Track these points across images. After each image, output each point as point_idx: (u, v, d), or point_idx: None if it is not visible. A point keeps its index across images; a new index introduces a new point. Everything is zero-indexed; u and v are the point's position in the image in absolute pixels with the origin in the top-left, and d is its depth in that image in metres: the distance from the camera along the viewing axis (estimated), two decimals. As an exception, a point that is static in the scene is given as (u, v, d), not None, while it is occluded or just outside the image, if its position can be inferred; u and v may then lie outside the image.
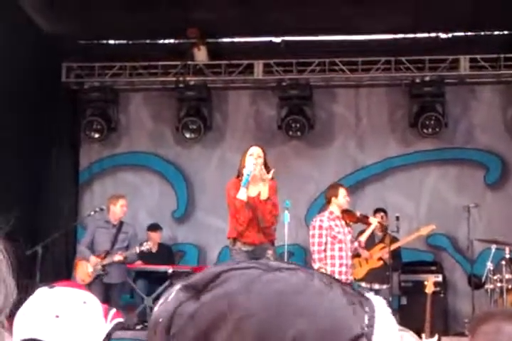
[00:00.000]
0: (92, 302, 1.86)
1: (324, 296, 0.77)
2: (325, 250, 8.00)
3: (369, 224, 8.75)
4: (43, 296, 1.81)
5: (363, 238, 8.70)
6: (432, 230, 8.58)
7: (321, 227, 8.04)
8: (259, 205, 6.84)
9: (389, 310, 0.82)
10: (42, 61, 10.77)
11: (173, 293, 0.83)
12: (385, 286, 8.97)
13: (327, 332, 0.75)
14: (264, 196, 6.83)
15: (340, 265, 8.13)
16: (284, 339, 0.74)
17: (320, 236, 8.01)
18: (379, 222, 8.82)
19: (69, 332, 1.77)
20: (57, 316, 1.75)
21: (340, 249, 8.12)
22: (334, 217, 8.15)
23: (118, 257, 8.88)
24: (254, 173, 6.76)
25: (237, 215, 6.85)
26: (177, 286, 0.83)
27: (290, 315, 0.76)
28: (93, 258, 8.95)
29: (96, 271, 8.87)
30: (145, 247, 8.94)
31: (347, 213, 8.36)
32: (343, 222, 8.21)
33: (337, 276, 8.05)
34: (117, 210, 9.22)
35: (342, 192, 8.30)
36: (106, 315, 1.87)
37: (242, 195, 6.77)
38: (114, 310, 1.88)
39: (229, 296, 0.78)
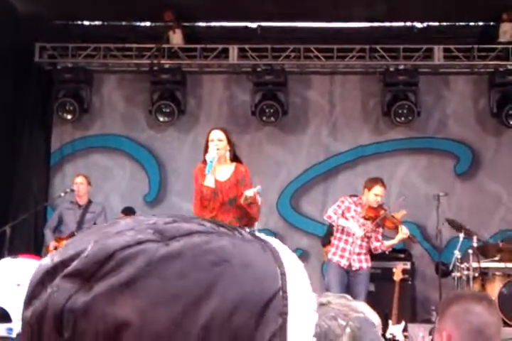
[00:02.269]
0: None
1: (228, 262, 0.69)
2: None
3: (392, 228, 8.46)
4: (6, 266, 1.82)
5: (387, 243, 8.40)
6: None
7: (342, 202, 8.33)
8: (232, 189, 6.73)
9: (295, 258, 0.75)
10: (15, 41, 10.67)
11: (54, 284, 0.69)
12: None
13: (239, 303, 0.68)
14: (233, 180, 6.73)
15: (343, 250, 8.22)
16: (196, 328, 0.66)
17: (338, 206, 8.28)
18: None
19: None
20: (18, 285, 1.76)
21: (346, 242, 8.22)
22: (358, 203, 8.28)
23: None
24: (217, 158, 6.65)
25: (205, 202, 6.66)
26: (57, 275, 0.69)
27: (197, 299, 0.67)
28: (52, 243, 8.93)
29: None
30: None
31: (372, 208, 8.29)
32: (364, 213, 8.27)
33: (337, 259, 8.17)
34: (75, 188, 9.22)
35: (376, 189, 8.26)
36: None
37: (210, 181, 6.67)
38: None
39: (126, 285, 0.67)
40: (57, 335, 0.67)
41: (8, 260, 1.53)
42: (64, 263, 0.69)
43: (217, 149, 6.60)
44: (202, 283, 0.68)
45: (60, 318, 0.67)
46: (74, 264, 0.69)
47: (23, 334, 0.70)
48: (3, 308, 1.52)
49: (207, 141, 6.73)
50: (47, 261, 0.71)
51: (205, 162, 6.69)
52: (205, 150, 6.71)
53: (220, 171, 6.73)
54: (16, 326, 1.49)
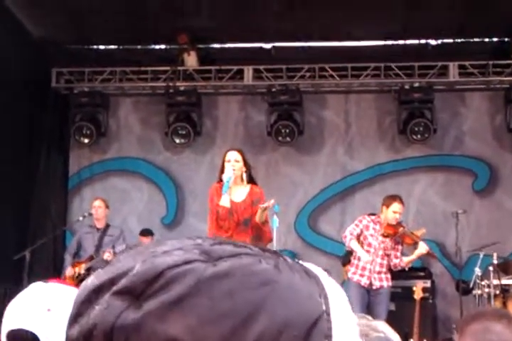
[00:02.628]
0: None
1: (275, 283, 0.70)
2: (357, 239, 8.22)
3: (411, 244, 8.46)
4: (36, 290, 1.82)
5: (406, 259, 8.40)
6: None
7: (360, 221, 8.33)
8: (247, 209, 6.76)
9: (335, 284, 0.76)
10: (32, 66, 10.77)
11: (102, 302, 0.69)
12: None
13: (287, 323, 0.68)
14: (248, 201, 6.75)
15: (363, 268, 8.19)
16: None
17: (356, 225, 8.28)
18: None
19: (59, 326, 1.78)
20: (48, 310, 1.76)
21: (368, 252, 8.20)
22: (377, 221, 8.28)
23: (107, 254, 8.77)
24: (233, 178, 6.68)
25: (221, 222, 6.70)
26: (106, 293, 0.70)
27: (246, 318, 0.68)
28: (69, 268, 8.96)
29: (77, 275, 8.84)
30: (123, 247, 8.86)
31: (391, 225, 8.28)
32: (383, 231, 8.26)
33: (357, 278, 8.14)
34: (93, 212, 9.24)
35: (395, 206, 8.26)
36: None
37: (225, 201, 6.68)
38: None
39: (176, 304, 0.67)
40: None
41: (38, 284, 1.54)
42: (111, 282, 0.70)
43: (234, 170, 6.62)
44: (250, 303, 0.68)
45: (111, 335, 0.68)
46: (123, 282, 0.69)
47: None
48: (33, 333, 1.53)
49: (223, 162, 6.77)
50: (93, 280, 0.72)
51: (220, 182, 6.73)
52: (221, 171, 6.76)
53: (235, 192, 6.76)
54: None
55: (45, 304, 1.78)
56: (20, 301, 1.81)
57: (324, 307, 0.71)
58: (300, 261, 0.77)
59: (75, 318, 0.71)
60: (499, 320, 2.53)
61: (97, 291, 0.71)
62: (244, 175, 6.75)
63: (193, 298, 0.68)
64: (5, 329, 1.77)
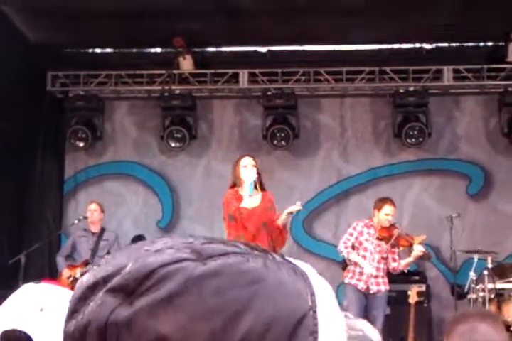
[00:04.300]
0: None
1: (263, 282, 0.72)
2: (352, 247, 8.22)
3: (406, 246, 8.46)
4: (29, 290, 1.84)
5: (404, 262, 8.41)
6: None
7: (354, 229, 8.33)
8: (263, 214, 6.84)
9: (323, 281, 0.78)
10: (27, 69, 10.76)
11: (96, 299, 0.72)
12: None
13: (274, 321, 0.70)
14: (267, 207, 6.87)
15: (360, 274, 8.21)
16: None
17: (350, 234, 8.29)
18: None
19: (52, 326, 1.79)
20: (41, 309, 1.77)
21: (364, 257, 8.21)
22: (370, 225, 8.28)
23: (103, 261, 8.79)
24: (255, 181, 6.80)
25: (245, 224, 6.76)
26: (99, 290, 0.72)
27: (234, 315, 0.70)
28: (65, 271, 8.94)
29: (72, 279, 8.82)
30: None
31: (385, 227, 8.30)
32: (377, 234, 8.27)
33: (355, 282, 8.15)
34: (89, 215, 9.24)
35: (386, 209, 8.28)
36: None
37: (248, 203, 6.78)
38: None
39: (166, 301, 0.70)
40: None
41: (31, 285, 1.55)
42: (105, 279, 0.73)
43: (258, 173, 6.77)
44: (238, 300, 0.71)
45: (104, 331, 0.70)
46: (116, 279, 0.72)
47: None
48: (25, 333, 1.53)
49: (237, 167, 6.87)
50: (88, 277, 0.75)
51: (233, 187, 6.82)
52: (236, 176, 6.86)
53: (249, 198, 6.83)
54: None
55: (38, 304, 1.79)
56: (13, 302, 1.82)
57: (311, 304, 0.73)
58: (288, 258, 0.78)
59: (71, 314, 0.74)
60: (484, 320, 2.56)
61: (92, 288, 0.73)
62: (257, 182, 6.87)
63: (183, 296, 0.70)
64: None
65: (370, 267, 8.15)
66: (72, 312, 0.74)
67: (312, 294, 0.74)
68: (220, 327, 0.69)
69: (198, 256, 0.73)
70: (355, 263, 8.24)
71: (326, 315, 0.74)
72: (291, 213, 6.89)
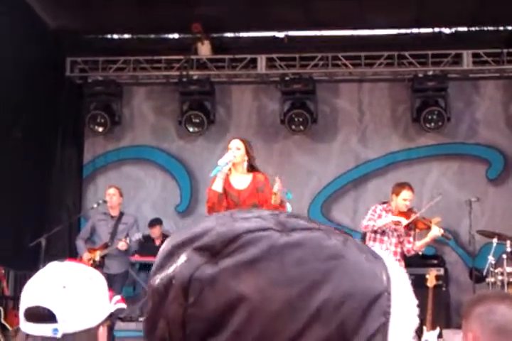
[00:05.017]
0: (99, 279, 1.92)
1: (343, 258, 0.75)
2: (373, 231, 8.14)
3: (424, 229, 8.32)
4: (53, 268, 1.87)
5: (419, 243, 8.25)
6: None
7: (374, 211, 8.23)
8: (253, 195, 6.80)
9: (399, 267, 0.80)
10: (46, 55, 10.83)
11: (183, 256, 0.76)
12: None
13: (350, 295, 0.74)
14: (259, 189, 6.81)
15: None
16: (308, 311, 0.72)
17: (372, 215, 8.17)
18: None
19: (74, 303, 1.83)
20: (64, 287, 1.81)
21: (381, 241, 8.21)
22: (388, 209, 8.28)
23: (122, 243, 8.85)
24: (229, 165, 6.71)
25: (215, 207, 6.68)
26: (187, 248, 0.76)
27: (313, 284, 0.73)
28: (86, 254, 9.01)
29: (92, 261, 8.89)
30: (139, 236, 8.97)
31: (402, 212, 8.25)
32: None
33: None
34: (108, 199, 9.30)
35: (404, 194, 8.16)
36: (110, 298, 1.93)
37: (217, 186, 6.72)
38: (118, 297, 1.95)
39: (249, 264, 0.74)
40: (183, 299, 0.74)
41: (55, 263, 1.58)
42: (192, 239, 0.77)
43: (234, 157, 6.67)
44: (318, 272, 0.74)
45: (188, 285, 0.74)
46: (203, 240, 0.76)
47: (149, 298, 0.78)
48: (49, 309, 1.56)
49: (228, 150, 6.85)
50: (175, 237, 0.79)
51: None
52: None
53: (238, 180, 6.82)
54: (61, 327, 1.54)
55: (61, 281, 1.83)
56: (37, 279, 1.86)
57: (386, 286, 0.77)
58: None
59: (157, 269, 0.78)
60: (502, 301, 2.57)
61: (179, 246, 0.77)
62: (245, 164, 6.79)
63: (265, 262, 0.74)
64: (23, 307, 1.83)
65: (401, 218, 8.09)
66: (158, 268, 0.78)
67: (388, 278, 0.77)
68: (298, 295, 0.73)
69: (282, 228, 0.76)
70: (372, 247, 8.21)
71: (399, 299, 0.77)
72: (275, 193, 6.73)
